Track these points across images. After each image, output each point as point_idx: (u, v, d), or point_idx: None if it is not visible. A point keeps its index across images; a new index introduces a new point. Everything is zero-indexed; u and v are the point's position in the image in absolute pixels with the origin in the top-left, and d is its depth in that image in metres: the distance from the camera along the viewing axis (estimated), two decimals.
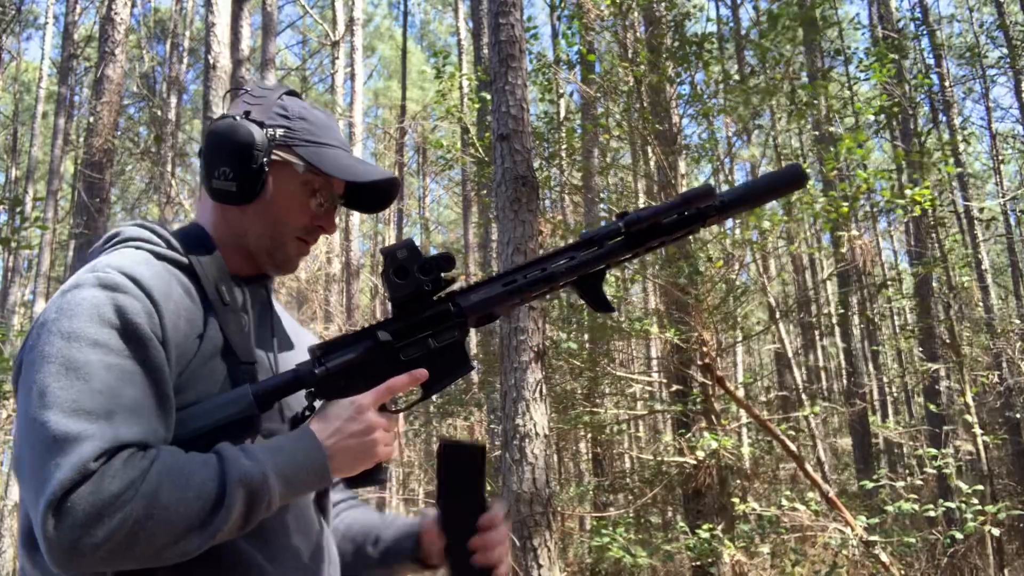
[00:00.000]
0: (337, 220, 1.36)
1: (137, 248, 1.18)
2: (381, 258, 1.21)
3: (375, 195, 1.34)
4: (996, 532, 5.46)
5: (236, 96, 1.30)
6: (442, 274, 1.19)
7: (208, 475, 1.01)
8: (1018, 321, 11.31)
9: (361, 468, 1.14)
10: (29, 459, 0.99)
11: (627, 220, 1.20)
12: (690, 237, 7.13)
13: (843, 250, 8.04)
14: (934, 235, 10.44)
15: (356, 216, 14.17)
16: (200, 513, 0.99)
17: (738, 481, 6.82)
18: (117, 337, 1.05)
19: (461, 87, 11.92)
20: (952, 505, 5.25)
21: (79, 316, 1.04)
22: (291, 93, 1.31)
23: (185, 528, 0.98)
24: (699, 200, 1.20)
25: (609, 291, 8.50)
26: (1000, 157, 14.54)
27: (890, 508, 5.35)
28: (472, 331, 1.28)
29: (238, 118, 1.22)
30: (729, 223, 7.32)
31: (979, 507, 5.06)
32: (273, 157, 1.22)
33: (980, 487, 5.53)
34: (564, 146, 7.83)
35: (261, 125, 1.22)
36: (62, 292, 1.09)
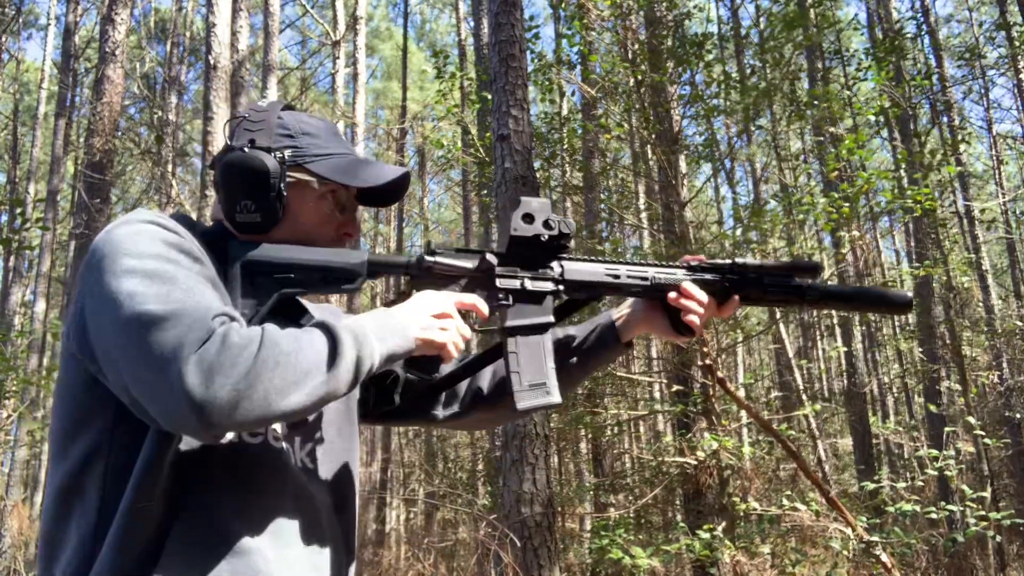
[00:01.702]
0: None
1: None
2: (518, 202, 1.34)
3: (390, 190, 1.37)
4: (998, 539, 5.44)
5: (235, 124, 1.30)
6: (563, 241, 1.31)
7: (315, 332, 1.06)
8: (1018, 322, 11.30)
9: (428, 345, 1.18)
10: (139, 346, 0.98)
11: (738, 263, 1.37)
12: (691, 238, 7.14)
13: (844, 251, 8.03)
14: (934, 235, 10.43)
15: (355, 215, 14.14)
16: (319, 357, 1.04)
17: (738, 481, 6.81)
18: (185, 257, 1.09)
19: (462, 87, 11.91)
20: (955, 508, 5.24)
21: (141, 241, 1.07)
22: (287, 107, 1.33)
23: (311, 368, 1.02)
24: (805, 272, 1.36)
25: None
26: (1000, 158, 14.54)
27: (891, 509, 5.35)
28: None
29: (246, 149, 1.24)
30: (729, 223, 7.31)
31: (982, 512, 5.05)
32: (288, 179, 1.26)
33: (984, 494, 5.51)
34: (565, 146, 7.82)
35: (269, 151, 1.25)
36: (107, 232, 1.11)
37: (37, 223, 6.82)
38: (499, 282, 1.29)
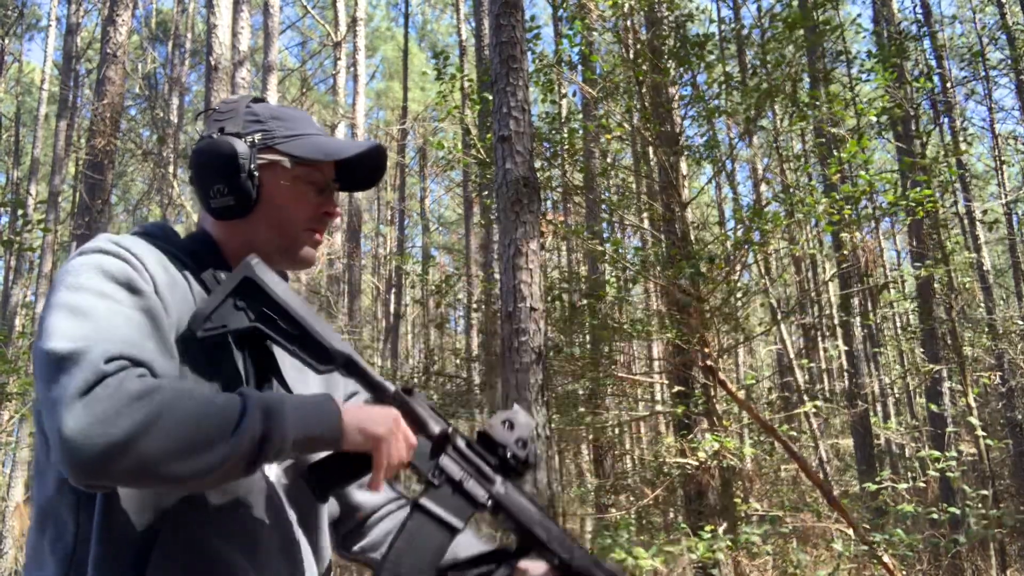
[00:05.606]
0: (339, 214, 1.39)
1: (136, 236, 1.22)
2: (518, 411, 1.27)
3: (366, 170, 1.36)
4: (1000, 535, 5.43)
5: (206, 118, 1.32)
6: (521, 467, 1.23)
7: (226, 396, 1.01)
8: (1020, 322, 11.29)
9: (366, 438, 1.10)
10: (43, 387, 0.98)
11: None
12: (691, 238, 7.13)
13: (845, 252, 8.01)
14: (936, 236, 10.42)
15: (355, 217, 14.16)
16: (221, 424, 0.97)
17: (740, 482, 6.81)
18: (121, 290, 1.07)
19: (462, 88, 11.90)
20: (956, 511, 5.24)
21: (83, 273, 1.08)
22: (257, 100, 1.34)
23: (206, 437, 0.96)
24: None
25: (611, 291, 8.49)
26: (1002, 158, 14.53)
27: (892, 510, 5.34)
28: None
29: (215, 135, 1.25)
30: (730, 223, 7.31)
31: (982, 511, 5.04)
32: (259, 161, 1.26)
33: (985, 492, 5.51)
34: (565, 147, 7.81)
35: (238, 136, 1.25)
36: (68, 261, 1.13)
37: (38, 224, 6.82)
38: (444, 460, 1.20)
